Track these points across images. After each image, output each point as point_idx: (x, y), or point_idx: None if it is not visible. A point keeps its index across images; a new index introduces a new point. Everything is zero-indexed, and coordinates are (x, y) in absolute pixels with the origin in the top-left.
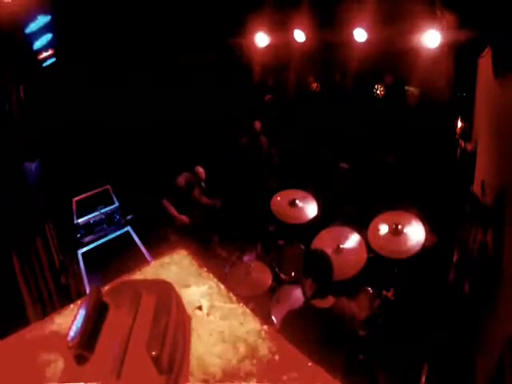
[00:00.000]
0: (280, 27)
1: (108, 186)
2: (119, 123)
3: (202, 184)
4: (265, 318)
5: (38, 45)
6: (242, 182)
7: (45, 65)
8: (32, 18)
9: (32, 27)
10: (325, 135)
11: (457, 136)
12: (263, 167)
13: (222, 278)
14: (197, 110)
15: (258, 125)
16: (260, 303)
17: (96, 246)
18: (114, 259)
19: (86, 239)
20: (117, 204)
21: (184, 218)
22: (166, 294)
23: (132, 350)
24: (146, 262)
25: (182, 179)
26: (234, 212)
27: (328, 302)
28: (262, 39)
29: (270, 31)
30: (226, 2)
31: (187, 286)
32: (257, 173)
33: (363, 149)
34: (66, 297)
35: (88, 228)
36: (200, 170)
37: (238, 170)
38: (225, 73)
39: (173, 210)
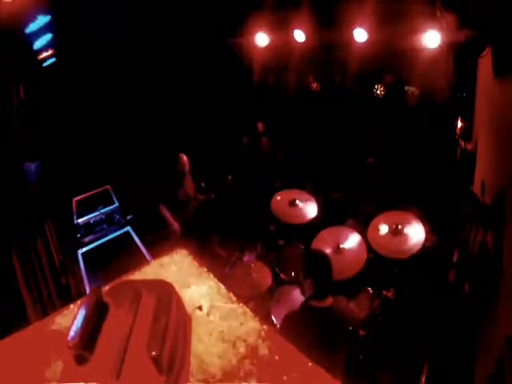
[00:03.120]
0: (280, 27)
1: (108, 186)
2: (119, 123)
3: (202, 184)
4: (265, 318)
5: (37, 45)
6: (243, 182)
7: (45, 65)
8: (32, 18)
9: (32, 27)
10: (324, 135)
11: (457, 136)
12: (263, 167)
13: (221, 278)
14: (197, 109)
15: (260, 126)
16: (260, 303)
17: (96, 246)
18: (114, 259)
19: (86, 239)
20: (117, 204)
21: (176, 227)
22: (166, 294)
23: (132, 350)
24: (145, 262)
25: (167, 175)
26: (233, 212)
27: (327, 301)
28: (262, 39)
29: (270, 31)
30: (225, 2)
31: (187, 286)
32: (257, 173)
33: (363, 149)
34: (66, 297)
35: (88, 228)
36: (183, 157)
37: (239, 170)
38: (225, 73)
39: (168, 216)
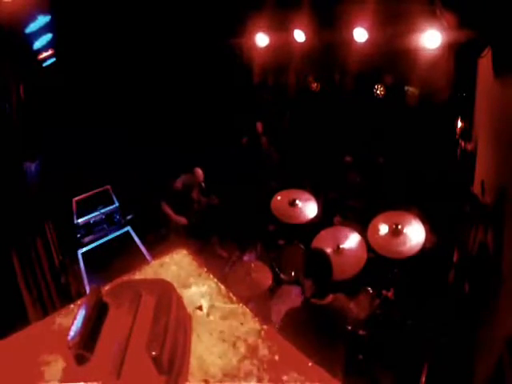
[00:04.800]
0: (280, 27)
1: (108, 186)
2: (119, 123)
3: (202, 185)
4: (265, 318)
5: (37, 45)
6: (243, 183)
7: (45, 65)
8: (32, 18)
9: (32, 27)
10: (325, 135)
11: (457, 136)
12: (263, 167)
13: (221, 278)
14: (196, 110)
15: (260, 126)
16: (260, 303)
17: (96, 246)
18: (114, 259)
19: (86, 239)
20: (117, 204)
21: (181, 219)
22: (166, 294)
23: (132, 349)
24: (146, 262)
25: (179, 182)
26: (233, 212)
27: (327, 299)
28: (262, 39)
29: (270, 31)
30: (226, 2)
31: (187, 286)
32: (257, 173)
33: (363, 149)
34: (66, 297)
35: (88, 228)
36: (199, 171)
37: (239, 170)
38: (225, 73)
39: (170, 212)
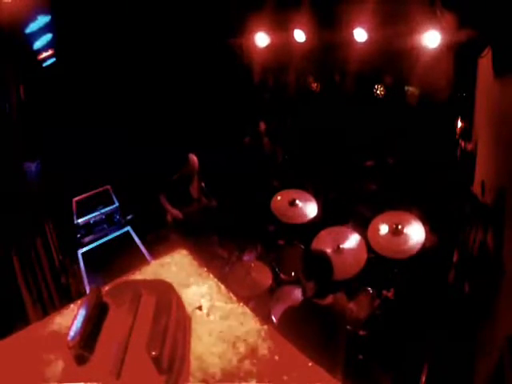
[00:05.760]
0: (280, 27)
1: (108, 186)
2: (119, 123)
3: (202, 184)
4: (265, 318)
5: (38, 45)
6: (243, 182)
7: (45, 65)
8: (32, 18)
9: (32, 27)
10: (324, 135)
11: (457, 136)
12: (265, 167)
13: (221, 278)
14: (197, 110)
15: (262, 126)
16: (260, 303)
17: (96, 246)
18: (114, 259)
19: (86, 239)
20: (117, 204)
21: (177, 213)
22: (165, 294)
23: (132, 350)
24: (146, 262)
25: (176, 174)
26: (233, 212)
27: (327, 300)
28: (262, 39)
29: (270, 31)
30: (226, 2)
31: (187, 285)
32: (258, 173)
33: (363, 149)
34: (66, 297)
35: (88, 228)
36: (193, 157)
37: (240, 170)
38: (225, 73)
39: (167, 205)
